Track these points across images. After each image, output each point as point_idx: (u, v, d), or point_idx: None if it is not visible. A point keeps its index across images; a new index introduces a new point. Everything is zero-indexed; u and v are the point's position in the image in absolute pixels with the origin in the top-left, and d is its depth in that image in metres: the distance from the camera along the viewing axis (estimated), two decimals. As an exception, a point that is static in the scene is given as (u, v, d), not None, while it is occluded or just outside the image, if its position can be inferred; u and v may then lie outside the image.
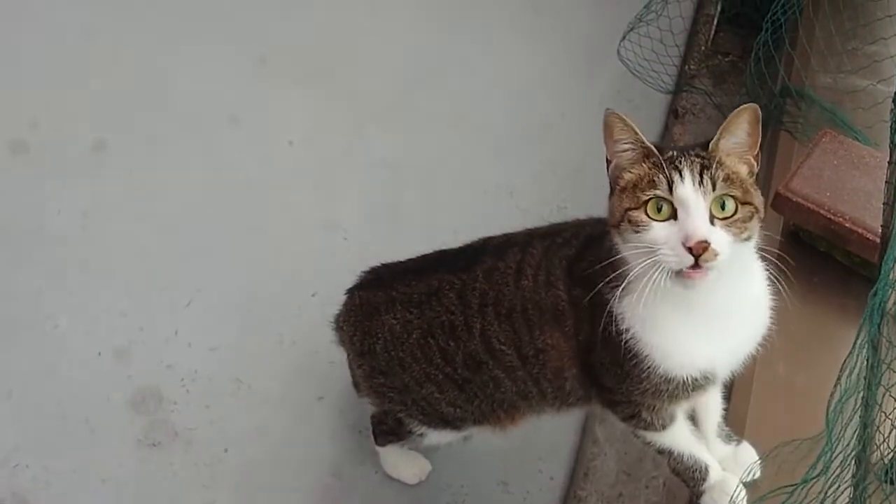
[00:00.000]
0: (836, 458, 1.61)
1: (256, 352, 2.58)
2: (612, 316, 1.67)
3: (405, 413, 2.09)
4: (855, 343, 1.66)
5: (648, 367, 1.70)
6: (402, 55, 3.36)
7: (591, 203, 2.87)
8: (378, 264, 2.08)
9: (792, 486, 1.66)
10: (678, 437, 1.89)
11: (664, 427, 1.86)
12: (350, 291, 2.08)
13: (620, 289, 1.63)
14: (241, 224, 2.84)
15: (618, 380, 1.77)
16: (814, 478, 1.62)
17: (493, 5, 3.54)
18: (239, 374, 2.55)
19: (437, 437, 2.15)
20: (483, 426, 2.06)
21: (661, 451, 1.92)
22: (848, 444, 1.63)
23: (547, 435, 2.45)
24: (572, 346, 1.81)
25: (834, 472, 1.61)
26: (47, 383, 2.51)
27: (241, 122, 3.12)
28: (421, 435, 2.13)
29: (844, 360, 1.67)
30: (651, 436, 1.89)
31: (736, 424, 2.10)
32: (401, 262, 2.05)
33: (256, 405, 2.50)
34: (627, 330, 1.67)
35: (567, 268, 1.78)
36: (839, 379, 1.68)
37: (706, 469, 1.90)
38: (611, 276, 1.63)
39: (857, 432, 1.64)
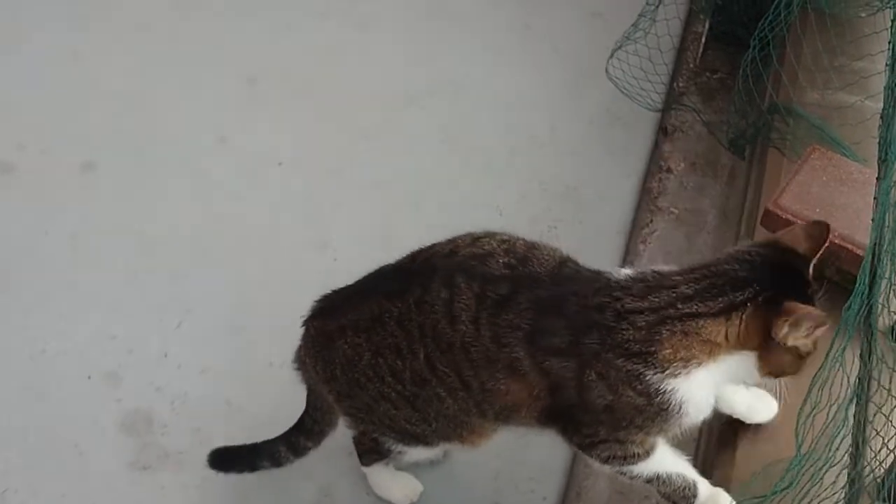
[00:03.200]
0: (806, 471, 1.60)
1: (247, 374, 2.57)
2: (635, 386, 1.69)
3: (378, 432, 2.10)
4: (827, 356, 1.64)
5: (673, 419, 1.74)
6: (391, 74, 3.36)
7: (581, 220, 2.92)
8: (329, 291, 2.09)
9: (759, 498, 1.66)
10: (664, 459, 1.89)
11: (649, 454, 1.86)
12: (305, 324, 2.09)
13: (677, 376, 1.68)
14: (231, 245, 2.84)
15: (609, 427, 1.78)
16: (783, 489, 1.62)
17: (482, 24, 3.55)
18: (229, 396, 2.53)
19: (415, 453, 2.15)
20: (451, 441, 2.07)
21: (649, 481, 1.90)
22: (819, 458, 1.62)
23: (539, 455, 2.44)
24: (533, 400, 1.81)
25: (804, 485, 1.60)
26: (36, 407, 2.50)
27: (229, 143, 3.11)
28: (400, 452, 2.15)
29: (815, 374, 1.65)
30: (636, 468, 1.88)
31: (727, 441, 2.09)
32: (348, 285, 2.05)
33: (247, 427, 2.48)
34: (667, 399, 1.70)
35: (527, 338, 1.75)
36: (810, 391, 1.66)
37: (695, 486, 1.90)
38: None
39: (828, 446, 1.64)
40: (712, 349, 1.67)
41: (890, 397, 1.55)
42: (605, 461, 1.87)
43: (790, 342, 1.65)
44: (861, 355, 1.70)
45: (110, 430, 2.47)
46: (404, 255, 2.00)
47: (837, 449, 1.61)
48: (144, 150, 3.06)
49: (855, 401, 1.68)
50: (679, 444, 2.44)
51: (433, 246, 1.95)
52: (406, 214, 2.95)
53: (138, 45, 3.36)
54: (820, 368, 1.66)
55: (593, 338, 1.70)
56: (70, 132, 3.09)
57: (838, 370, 1.63)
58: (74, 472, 2.40)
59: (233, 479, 2.39)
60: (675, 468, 1.90)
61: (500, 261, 1.82)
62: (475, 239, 1.89)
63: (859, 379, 1.67)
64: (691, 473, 1.91)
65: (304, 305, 2.49)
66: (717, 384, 1.76)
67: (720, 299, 1.65)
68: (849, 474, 1.65)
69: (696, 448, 2.39)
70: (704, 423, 2.27)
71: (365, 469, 2.32)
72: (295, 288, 2.69)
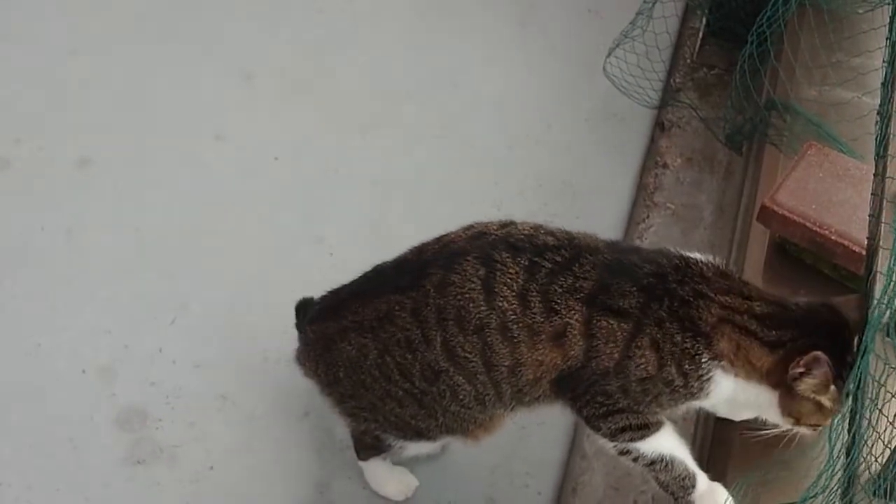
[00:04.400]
0: (835, 475, 1.60)
1: (241, 368, 2.57)
2: (683, 365, 1.75)
3: (380, 429, 2.10)
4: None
5: (691, 404, 1.84)
6: (387, 70, 3.35)
7: (578, 216, 2.92)
8: (325, 293, 2.09)
9: (791, 504, 1.66)
10: (668, 440, 1.90)
11: (658, 429, 1.87)
12: (301, 328, 2.09)
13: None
14: (227, 241, 2.83)
15: (631, 399, 1.81)
16: (812, 497, 1.61)
17: (479, 20, 3.54)
18: (224, 390, 2.53)
19: (415, 447, 2.16)
20: (454, 435, 2.07)
21: (652, 463, 1.91)
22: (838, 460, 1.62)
23: (534, 450, 2.44)
24: (562, 366, 1.81)
25: (833, 489, 1.60)
26: (30, 402, 2.49)
27: (226, 138, 3.10)
28: (401, 448, 2.15)
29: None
30: (643, 445, 1.88)
31: (723, 438, 2.09)
32: (344, 286, 2.05)
33: (242, 422, 2.49)
34: (703, 385, 1.77)
35: (587, 299, 1.78)
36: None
37: (694, 476, 1.90)
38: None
39: (845, 446, 1.64)
40: (750, 371, 1.76)
41: (885, 392, 1.55)
42: (615, 434, 1.87)
43: (802, 388, 1.73)
44: (856, 351, 1.70)
45: (105, 425, 2.46)
46: (403, 253, 1.99)
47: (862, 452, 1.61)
48: (140, 146, 3.05)
49: (851, 396, 1.67)
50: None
51: (441, 237, 1.95)
52: (402, 210, 2.95)
53: (135, 41, 3.35)
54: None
55: (663, 306, 1.75)
56: (66, 128, 3.08)
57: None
58: (69, 467, 2.39)
59: (228, 474, 2.39)
60: (679, 454, 1.91)
61: (549, 236, 1.87)
62: (503, 224, 1.91)
63: (856, 375, 1.66)
64: (691, 463, 1.92)
65: (299, 300, 2.50)
66: (737, 401, 1.83)
67: (774, 332, 1.75)
68: (845, 470, 1.64)
69: (692, 443, 2.39)
70: (701, 419, 2.28)
71: (362, 464, 2.32)
72: (291, 283, 2.69)
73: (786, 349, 1.73)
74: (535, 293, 1.79)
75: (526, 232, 1.88)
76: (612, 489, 2.40)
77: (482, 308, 1.81)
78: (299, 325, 2.14)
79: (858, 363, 1.64)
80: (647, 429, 1.87)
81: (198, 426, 2.47)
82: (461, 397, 1.93)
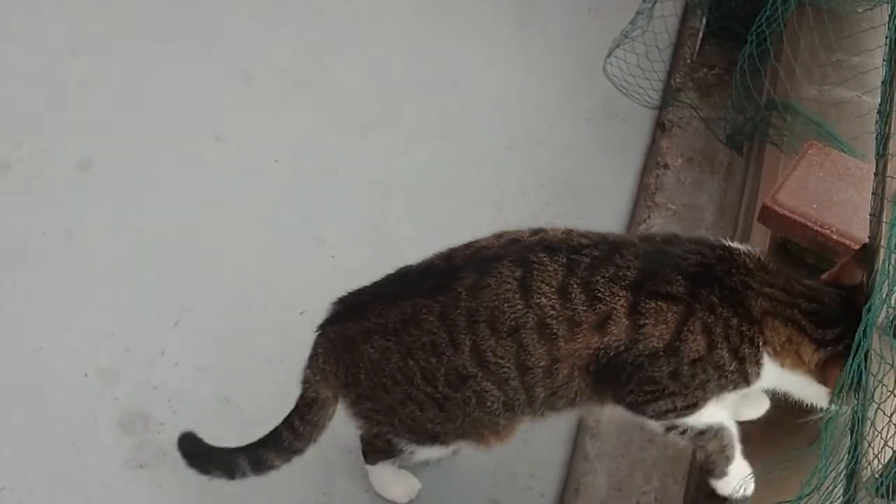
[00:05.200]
0: (830, 473, 1.60)
1: (244, 371, 2.57)
2: (738, 348, 1.79)
3: (394, 433, 2.09)
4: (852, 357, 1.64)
5: (739, 388, 1.85)
6: (387, 71, 3.35)
7: (579, 216, 2.92)
8: (344, 293, 2.07)
9: (788, 501, 1.65)
10: (715, 409, 1.91)
11: (707, 400, 1.88)
12: (322, 327, 2.08)
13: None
14: (228, 243, 2.83)
15: (681, 383, 1.82)
16: (808, 494, 1.61)
17: (479, 20, 3.54)
18: (226, 393, 2.53)
19: (426, 452, 2.15)
20: (468, 440, 2.07)
21: (701, 434, 1.93)
22: (841, 460, 1.62)
23: (537, 451, 2.44)
24: (600, 341, 1.82)
25: (828, 488, 1.60)
26: (32, 404, 2.49)
27: (226, 140, 3.11)
28: (412, 452, 2.14)
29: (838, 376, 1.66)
30: (692, 418, 1.90)
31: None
32: (366, 287, 2.04)
33: (244, 424, 2.47)
34: (754, 369, 1.82)
35: (633, 285, 1.79)
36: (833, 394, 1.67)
37: (734, 449, 1.95)
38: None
39: (848, 446, 1.63)
40: (797, 363, 1.81)
41: (888, 393, 1.55)
42: (663, 414, 1.89)
43: None
44: (859, 351, 1.70)
45: (107, 428, 2.46)
46: (429, 258, 1.99)
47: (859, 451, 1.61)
48: (140, 147, 3.05)
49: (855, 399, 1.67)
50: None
51: (471, 244, 1.94)
52: (403, 210, 2.95)
53: (134, 42, 3.35)
54: (842, 371, 1.67)
55: (714, 292, 1.78)
56: (66, 129, 3.09)
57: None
58: (71, 470, 2.40)
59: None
60: (727, 422, 1.95)
61: (582, 237, 1.89)
62: (535, 231, 1.93)
63: (857, 375, 1.66)
64: (736, 433, 1.96)
65: (301, 302, 2.51)
66: (781, 384, 1.88)
67: (820, 331, 1.79)
68: (847, 470, 1.64)
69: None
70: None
71: (369, 467, 2.32)
72: (292, 285, 2.71)
73: (834, 348, 1.78)
74: (576, 286, 1.81)
75: (560, 235, 1.90)
76: (615, 490, 2.40)
77: (518, 307, 1.82)
78: (321, 325, 2.12)
79: (858, 363, 1.64)
80: (694, 407, 1.88)
81: (200, 429, 2.45)
82: (488, 404, 1.92)
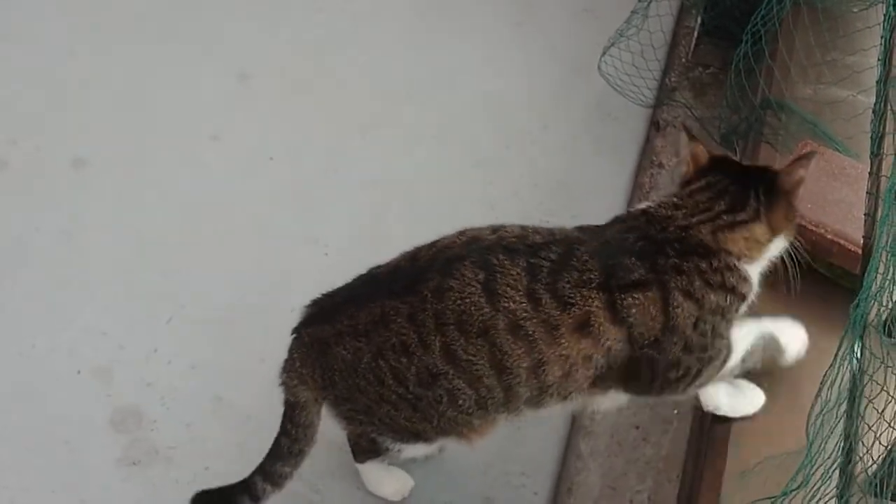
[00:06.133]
0: (816, 470, 1.60)
1: (237, 369, 2.56)
2: (725, 278, 1.86)
3: (376, 432, 2.10)
4: (836, 355, 1.65)
5: (743, 304, 1.93)
6: (383, 70, 3.35)
7: (574, 215, 2.91)
8: (318, 296, 2.08)
9: (772, 497, 1.65)
10: (743, 338, 1.98)
11: (729, 339, 1.94)
12: (296, 330, 2.08)
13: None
14: (222, 241, 2.83)
15: (698, 350, 1.87)
16: (794, 490, 1.61)
17: (475, 20, 3.54)
18: (219, 391, 2.53)
19: (412, 450, 2.15)
20: (450, 437, 2.07)
21: (742, 362, 1.99)
22: (829, 457, 1.62)
23: (530, 450, 2.44)
24: (602, 355, 1.84)
25: (815, 484, 1.60)
26: (25, 403, 2.49)
27: (221, 138, 3.10)
28: (398, 450, 2.14)
29: (825, 372, 1.67)
30: (729, 364, 1.96)
31: (720, 436, 2.09)
32: (338, 289, 2.05)
33: (237, 422, 2.48)
34: (743, 283, 1.91)
35: (601, 286, 1.82)
36: (820, 391, 1.68)
37: (771, 335, 2.03)
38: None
39: (838, 444, 1.63)
40: (760, 244, 1.91)
41: (881, 391, 1.55)
42: (697, 387, 1.97)
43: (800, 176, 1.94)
44: (852, 350, 1.70)
45: (100, 426, 2.46)
46: (396, 258, 2.00)
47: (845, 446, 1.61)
48: (136, 146, 3.05)
49: (847, 395, 1.67)
50: (673, 441, 2.46)
51: (435, 243, 1.96)
52: (398, 210, 2.95)
53: (131, 41, 3.35)
54: (829, 367, 1.67)
55: (670, 254, 1.85)
56: (63, 128, 3.08)
57: (847, 369, 1.63)
58: (64, 468, 2.39)
59: (223, 474, 2.38)
60: (749, 336, 2.00)
61: (535, 234, 1.92)
62: (495, 228, 1.95)
63: (851, 373, 1.66)
64: (764, 328, 2.02)
65: (295, 301, 2.49)
66: (763, 267, 1.96)
67: (748, 208, 1.90)
68: (841, 469, 1.64)
69: (688, 442, 2.39)
70: (696, 420, 2.28)
71: (359, 466, 2.32)
72: (286, 283, 2.71)
73: (766, 207, 1.90)
74: (542, 291, 1.83)
75: (516, 234, 1.92)
76: (608, 489, 2.40)
77: (485, 310, 1.83)
78: (295, 328, 2.13)
79: (848, 360, 1.64)
80: (726, 351, 1.94)
81: (193, 427, 2.47)
82: (460, 402, 1.93)
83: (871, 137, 1.85)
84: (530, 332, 1.83)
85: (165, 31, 3.40)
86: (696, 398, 2.04)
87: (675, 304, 1.82)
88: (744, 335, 1.98)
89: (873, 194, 1.79)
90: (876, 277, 1.61)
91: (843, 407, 1.66)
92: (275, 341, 2.55)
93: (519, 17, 3.56)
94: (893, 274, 1.56)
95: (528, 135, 3.20)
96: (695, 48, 3.45)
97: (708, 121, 3.21)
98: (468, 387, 1.90)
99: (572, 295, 1.81)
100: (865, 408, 1.54)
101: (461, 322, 1.84)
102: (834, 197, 2.26)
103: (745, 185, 1.93)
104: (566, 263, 1.84)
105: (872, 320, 1.65)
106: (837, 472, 1.64)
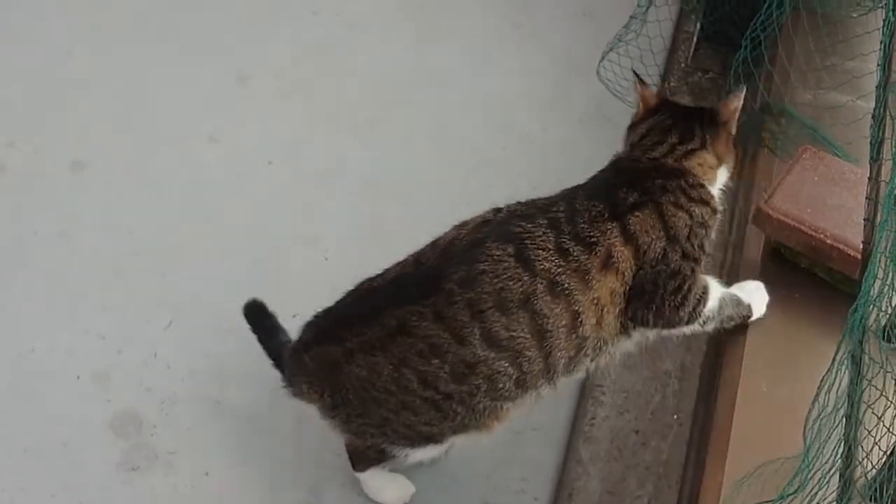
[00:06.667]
0: (814, 475, 1.60)
1: (237, 373, 2.56)
2: (700, 195, 2.07)
3: (388, 442, 2.10)
4: (834, 360, 1.65)
5: (717, 222, 2.14)
6: (381, 71, 3.35)
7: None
8: (315, 315, 2.09)
9: (769, 501, 1.65)
10: (715, 285, 2.11)
11: (709, 284, 2.09)
12: (295, 352, 2.09)
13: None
14: (221, 244, 2.82)
15: (690, 258, 2.01)
16: (791, 494, 1.62)
17: (473, 22, 3.54)
18: (219, 396, 2.53)
19: (420, 453, 2.15)
20: (467, 432, 2.07)
21: (720, 309, 2.12)
22: (826, 461, 1.62)
23: (530, 454, 2.44)
24: (621, 284, 1.95)
25: (812, 489, 1.60)
26: (24, 407, 2.48)
27: (220, 141, 3.10)
28: (406, 455, 2.14)
29: (823, 377, 1.67)
30: (710, 305, 2.08)
31: (720, 440, 2.09)
32: (333, 307, 2.06)
33: (237, 427, 2.48)
34: (714, 200, 2.14)
35: (612, 216, 1.96)
36: (817, 396, 1.68)
37: (741, 301, 2.18)
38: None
39: (836, 449, 1.64)
40: (713, 168, 2.14)
41: (881, 396, 1.55)
42: (694, 313, 2.05)
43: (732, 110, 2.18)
44: (851, 356, 1.70)
45: (99, 431, 2.45)
46: (391, 269, 2.01)
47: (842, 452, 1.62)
48: (134, 149, 3.04)
49: (847, 401, 1.67)
50: (673, 446, 2.45)
51: (435, 243, 2.00)
52: (397, 212, 2.94)
53: (129, 44, 3.34)
54: (827, 372, 1.67)
55: (654, 177, 2.04)
56: (61, 130, 3.08)
57: (845, 374, 1.63)
58: (63, 473, 2.39)
59: (223, 480, 2.39)
60: (726, 290, 2.16)
61: (536, 201, 2.07)
62: (495, 211, 2.06)
63: (850, 378, 1.66)
64: (735, 289, 2.20)
65: (294, 304, 2.50)
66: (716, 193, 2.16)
67: (696, 137, 2.13)
68: (840, 474, 1.64)
69: (688, 447, 2.39)
70: (696, 425, 2.28)
71: (359, 474, 2.31)
72: (286, 286, 2.70)
73: (710, 137, 2.13)
74: (568, 241, 1.92)
75: (520, 204, 2.06)
76: (608, 494, 2.40)
77: (524, 279, 1.88)
78: (293, 349, 2.15)
79: (856, 367, 1.64)
80: (707, 288, 2.07)
81: (193, 431, 2.47)
82: (500, 385, 1.94)
83: (871, 142, 1.84)
84: (566, 286, 1.89)
85: (165, 31, 3.40)
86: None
87: (670, 214, 1.98)
88: (715, 285, 2.11)
89: (872, 199, 1.79)
90: (875, 282, 1.62)
91: (842, 412, 1.66)
92: (274, 346, 2.55)
93: (518, 19, 3.56)
94: (892, 279, 1.56)
95: (525, 137, 3.19)
96: (694, 53, 3.45)
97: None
98: (510, 366, 1.91)
99: (592, 234, 1.93)
100: (864, 413, 1.54)
101: (500, 301, 1.87)
102: (833, 202, 2.26)
103: (689, 120, 2.14)
104: (574, 210, 1.97)
105: (871, 325, 1.65)
106: (836, 476, 1.64)
